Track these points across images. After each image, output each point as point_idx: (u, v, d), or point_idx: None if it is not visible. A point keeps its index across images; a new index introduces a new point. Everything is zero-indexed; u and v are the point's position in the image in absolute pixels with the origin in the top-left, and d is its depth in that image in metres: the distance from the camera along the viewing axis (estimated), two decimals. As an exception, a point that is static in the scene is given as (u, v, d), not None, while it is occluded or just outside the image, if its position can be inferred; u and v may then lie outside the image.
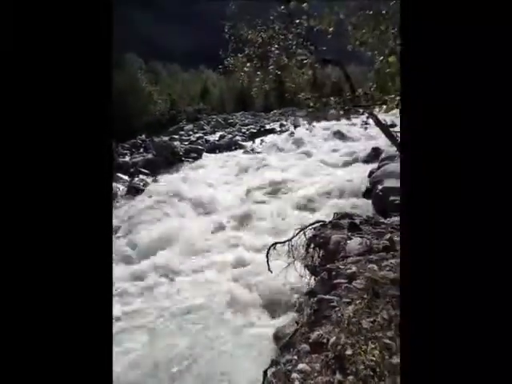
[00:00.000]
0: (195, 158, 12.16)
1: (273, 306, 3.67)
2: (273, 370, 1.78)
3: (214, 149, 13.84)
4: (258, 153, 12.28)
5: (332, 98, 2.07)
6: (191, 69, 37.54)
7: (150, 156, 11.25)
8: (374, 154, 8.56)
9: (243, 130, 18.01)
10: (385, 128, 2.07)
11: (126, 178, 9.26)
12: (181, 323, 3.48)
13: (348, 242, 2.98)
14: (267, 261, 3.55)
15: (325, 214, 5.75)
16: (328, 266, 2.81)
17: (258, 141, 14.72)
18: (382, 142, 7.73)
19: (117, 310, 3.63)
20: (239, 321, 3.47)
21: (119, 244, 5.41)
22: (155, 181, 9.21)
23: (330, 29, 2.26)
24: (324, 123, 14.86)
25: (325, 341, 1.80)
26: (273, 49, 2.25)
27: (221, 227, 5.91)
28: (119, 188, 8.46)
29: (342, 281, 2.41)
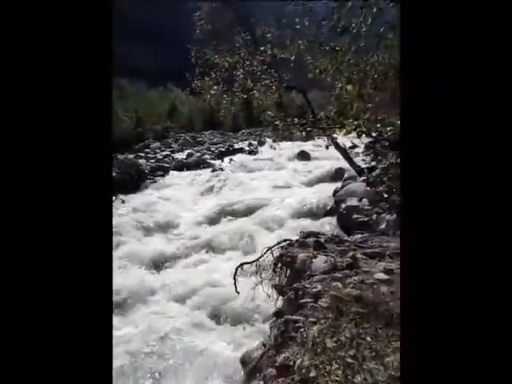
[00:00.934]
0: (161, 176, 11.87)
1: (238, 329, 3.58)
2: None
3: (182, 167, 13.63)
4: (227, 171, 12.29)
5: (296, 119, 2.16)
6: (159, 87, 37.31)
7: (113, 174, 10.77)
8: (338, 174, 8.97)
9: (212, 149, 18.02)
10: (342, 150, 2.19)
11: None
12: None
13: (314, 260, 3.02)
14: (234, 282, 3.49)
15: (292, 232, 5.84)
16: (294, 285, 2.82)
17: (226, 159, 14.79)
18: (346, 162, 8.18)
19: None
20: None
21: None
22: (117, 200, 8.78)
23: (292, 57, 2.40)
24: (290, 143, 15.37)
25: (291, 363, 1.76)
26: (238, 73, 2.32)
27: (185, 248, 5.75)
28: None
29: (308, 300, 2.42)
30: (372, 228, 3.98)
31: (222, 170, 12.52)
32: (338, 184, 7.72)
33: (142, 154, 15.49)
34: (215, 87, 2.37)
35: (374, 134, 1.74)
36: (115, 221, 6.48)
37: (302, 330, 1.89)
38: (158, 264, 5.33)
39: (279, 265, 3.34)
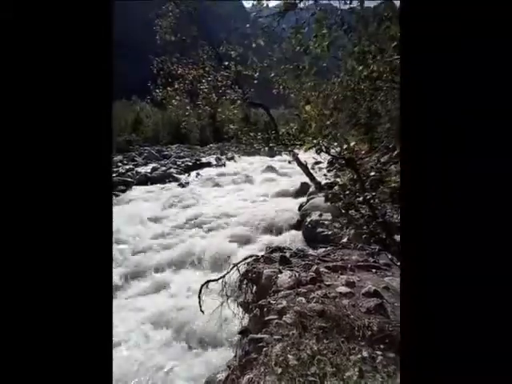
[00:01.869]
0: (123, 191, 11.32)
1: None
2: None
3: (146, 181, 13.15)
4: (193, 186, 12.09)
5: (259, 134, 2.18)
6: (123, 99, 36.25)
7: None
8: (303, 189, 9.22)
9: (178, 163, 17.68)
10: (303, 166, 2.24)
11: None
12: None
13: (279, 275, 3.01)
14: (199, 301, 3.35)
15: (258, 247, 5.82)
16: (260, 302, 2.77)
17: (193, 174, 14.57)
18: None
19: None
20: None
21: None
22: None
23: (256, 74, 2.45)
24: (258, 158, 15.59)
25: (255, 385, 1.70)
26: (202, 87, 2.32)
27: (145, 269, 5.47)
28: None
29: (273, 317, 2.39)
30: (335, 241, 4.09)
31: (188, 184, 12.28)
32: (304, 198, 7.92)
33: (103, 167, 14.70)
34: (178, 97, 2.35)
35: (332, 152, 1.81)
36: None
37: (266, 348, 1.84)
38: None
39: (245, 281, 3.28)
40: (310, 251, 4.02)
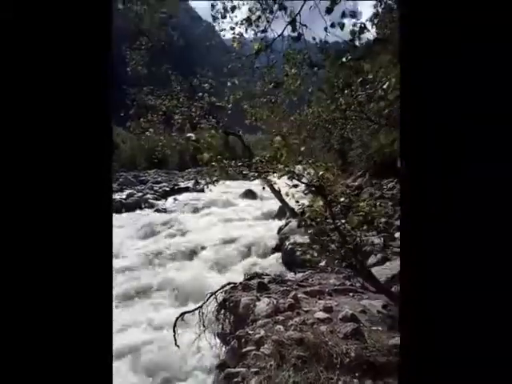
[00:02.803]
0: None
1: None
2: None
3: (120, 208, 12.74)
4: (171, 212, 11.85)
5: (232, 162, 2.22)
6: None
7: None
8: (283, 212, 9.30)
9: (155, 188, 17.36)
10: (277, 192, 2.29)
11: None
12: None
13: (257, 303, 2.96)
14: (174, 335, 3.19)
15: (238, 273, 5.71)
16: (238, 332, 2.69)
17: (170, 199, 14.33)
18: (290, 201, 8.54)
19: None
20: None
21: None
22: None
23: (229, 105, 2.54)
24: (237, 182, 15.65)
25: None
26: (176, 117, 2.36)
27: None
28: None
29: (251, 348, 2.31)
30: (313, 265, 4.11)
31: (164, 210, 12.03)
32: (283, 221, 7.98)
33: (76, 195, 14.13)
34: (151, 129, 2.37)
35: (304, 180, 1.88)
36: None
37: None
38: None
39: (222, 311, 3.18)
40: (289, 276, 4.00)
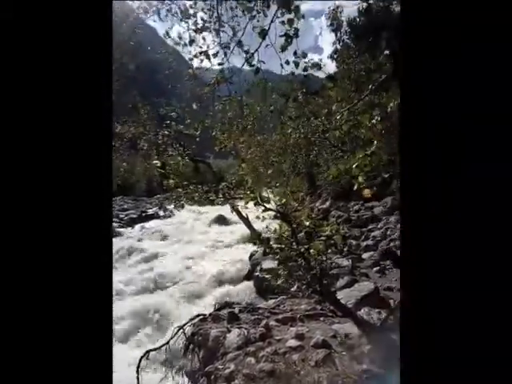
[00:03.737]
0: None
1: None
2: None
3: (83, 238, 11.90)
4: (138, 240, 11.30)
5: (199, 187, 2.21)
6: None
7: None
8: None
9: (121, 216, 16.55)
10: (244, 218, 2.30)
11: None
12: None
13: (227, 335, 2.83)
14: (137, 376, 2.93)
15: (208, 303, 5.48)
16: (207, 368, 2.53)
17: (138, 227, 13.70)
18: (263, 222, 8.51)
19: None
20: None
21: None
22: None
23: (198, 132, 2.56)
24: (208, 207, 15.39)
25: None
26: (142, 144, 2.33)
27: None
28: None
29: (221, 385, 2.19)
30: (284, 291, 4.07)
31: (131, 238, 11.45)
32: (255, 247, 7.90)
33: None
34: (114, 156, 2.32)
35: (270, 205, 1.91)
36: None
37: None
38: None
39: (191, 347, 3.00)
40: (260, 303, 3.91)
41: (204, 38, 2.25)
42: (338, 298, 3.28)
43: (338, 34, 12.60)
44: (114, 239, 11.75)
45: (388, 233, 6.84)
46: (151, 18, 2.70)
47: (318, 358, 2.22)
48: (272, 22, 1.81)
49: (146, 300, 5.90)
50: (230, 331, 2.89)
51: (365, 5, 10.64)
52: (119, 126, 2.53)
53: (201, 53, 2.05)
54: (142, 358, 3.02)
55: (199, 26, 2.17)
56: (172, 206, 19.30)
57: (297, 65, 2.11)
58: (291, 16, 1.69)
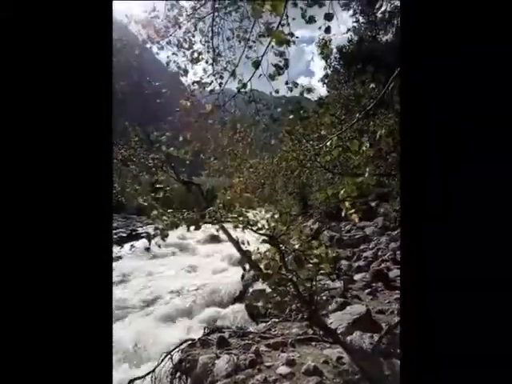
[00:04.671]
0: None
1: None
2: None
3: (70, 257, 11.58)
4: (126, 260, 11.03)
5: (184, 211, 2.20)
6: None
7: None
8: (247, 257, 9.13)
9: (111, 235, 16.22)
10: (234, 241, 2.31)
11: None
12: None
13: (216, 361, 2.74)
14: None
15: (198, 327, 5.31)
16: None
17: (127, 246, 13.41)
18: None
19: None
20: None
21: None
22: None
23: (188, 156, 2.60)
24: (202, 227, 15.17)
25: None
26: (132, 167, 2.35)
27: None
28: None
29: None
30: (276, 313, 3.99)
31: (120, 258, 11.18)
32: (247, 266, 7.78)
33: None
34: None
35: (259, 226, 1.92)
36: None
37: None
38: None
39: (178, 374, 2.88)
40: (251, 327, 3.82)
41: (201, 68, 2.34)
42: (330, 321, 3.23)
43: (328, 61, 13.17)
44: (102, 259, 11.42)
45: (379, 253, 6.85)
46: (154, 47, 2.80)
47: (308, 387, 2.15)
48: (264, 54, 1.90)
49: (129, 324, 5.70)
50: (218, 357, 2.80)
51: (353, 34, 11.21)
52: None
53: (196, 82, 2.13)
54: (126, 387, 2.89)
55: (195, 57, 2.27)
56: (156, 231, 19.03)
57: (291, 89, 2.21)
58: (282, 49, 1.79)
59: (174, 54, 2.72)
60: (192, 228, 1.85)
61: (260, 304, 5.09)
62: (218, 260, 9.90)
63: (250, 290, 6.14)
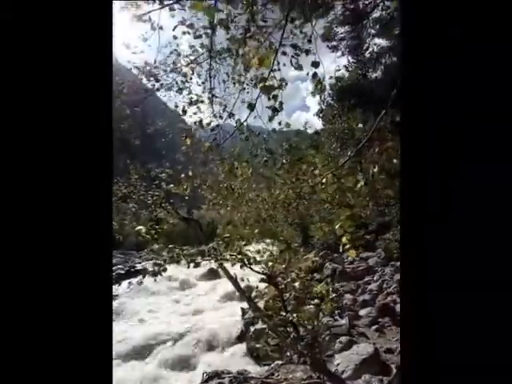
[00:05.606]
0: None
1: None
2: None
3: (65, 297, 11.18)
4: (123, 298, 10.64)
5: (184, 248, 2.18)
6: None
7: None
8: (248, 291, 8.83)
9: (108, 272, 15.81)
10: (232, 279, 2.26)
11: None
12: None
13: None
14: None
15: (198, 372, 4.98)
16: None
17: (125, 284, 13.01)
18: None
19: None
20: None
21: None
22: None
23: (187, 192, 2.63)
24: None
25: None
26: (131, 205, 2.36)
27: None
28: None
29: None
30: (279, 354, 3.77)
31: (116, 296, 10.78)
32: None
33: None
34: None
35: (257, 268, 1.89)
36: None
37: None
38: None
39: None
40: (253, 371, 3.58)
41: (199, 108, 2.47)
42: (337, 362, 3.04)
43: (322, 97, 13.80)
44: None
45: (384, 285, 6.64)
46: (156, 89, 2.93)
47: None
48: (258, 97, 2.00)
49: (125, 370, 5.36)
50: (218, 409, 2.59)
51: (344, 72, 11.87)
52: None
53: (195, 122, 2.23)
54: None
55: (193, 100, 2.40)
56: (162, 261, 18.63)
57: (288, 125, 2.31)
58: (276, 92, 1.89)
59: (173, 94, 2.87)
60: (192, 265, 1.82)
61: (261, 345, 4.83)
62: (218, 296, 9.56)
63: (252, 329, 5.85)
